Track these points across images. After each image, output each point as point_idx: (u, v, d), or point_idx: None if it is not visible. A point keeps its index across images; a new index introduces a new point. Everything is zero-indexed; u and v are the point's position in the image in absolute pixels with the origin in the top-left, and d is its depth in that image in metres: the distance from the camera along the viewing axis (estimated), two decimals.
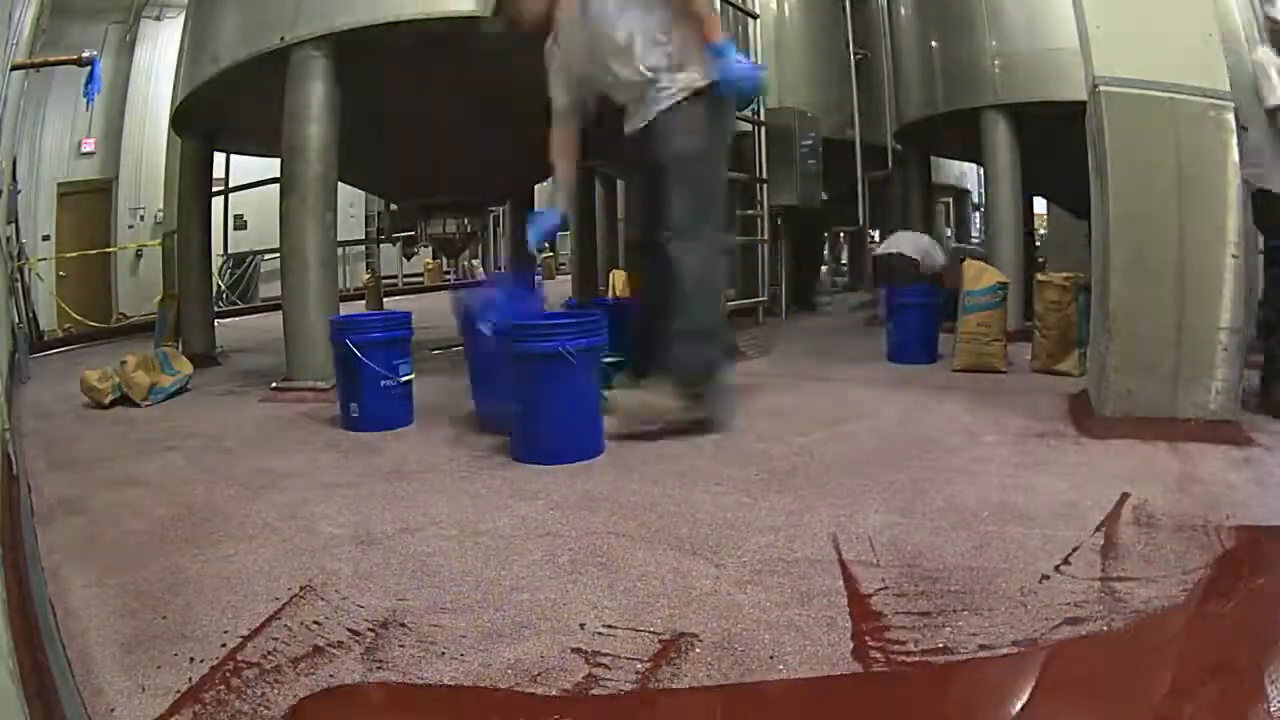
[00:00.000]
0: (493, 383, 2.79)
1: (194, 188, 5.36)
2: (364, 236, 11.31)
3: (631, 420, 2.76)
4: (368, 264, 12.18)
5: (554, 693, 1.26)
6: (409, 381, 3.17)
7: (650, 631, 1.43)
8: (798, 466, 2.42)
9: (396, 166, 5.48)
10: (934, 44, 5.93)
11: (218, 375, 4.77)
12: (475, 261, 13.36)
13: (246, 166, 6.95)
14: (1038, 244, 8.20)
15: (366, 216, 11.30)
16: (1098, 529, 1.84)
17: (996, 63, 5.31)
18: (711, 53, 2.76)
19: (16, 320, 5.64)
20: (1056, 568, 1.63)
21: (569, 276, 9.49)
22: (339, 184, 4.11)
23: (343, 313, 3.92)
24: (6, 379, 3.73)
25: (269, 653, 1.41)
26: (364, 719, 1.29)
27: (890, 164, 7.19)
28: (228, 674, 1.34)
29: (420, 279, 12.67)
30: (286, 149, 3.86)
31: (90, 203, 8.97)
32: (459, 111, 4.70)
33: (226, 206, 7.09)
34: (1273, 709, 1.17)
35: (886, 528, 1.88)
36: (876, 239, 8.37)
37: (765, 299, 5.37)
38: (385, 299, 9.14)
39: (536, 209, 4.05)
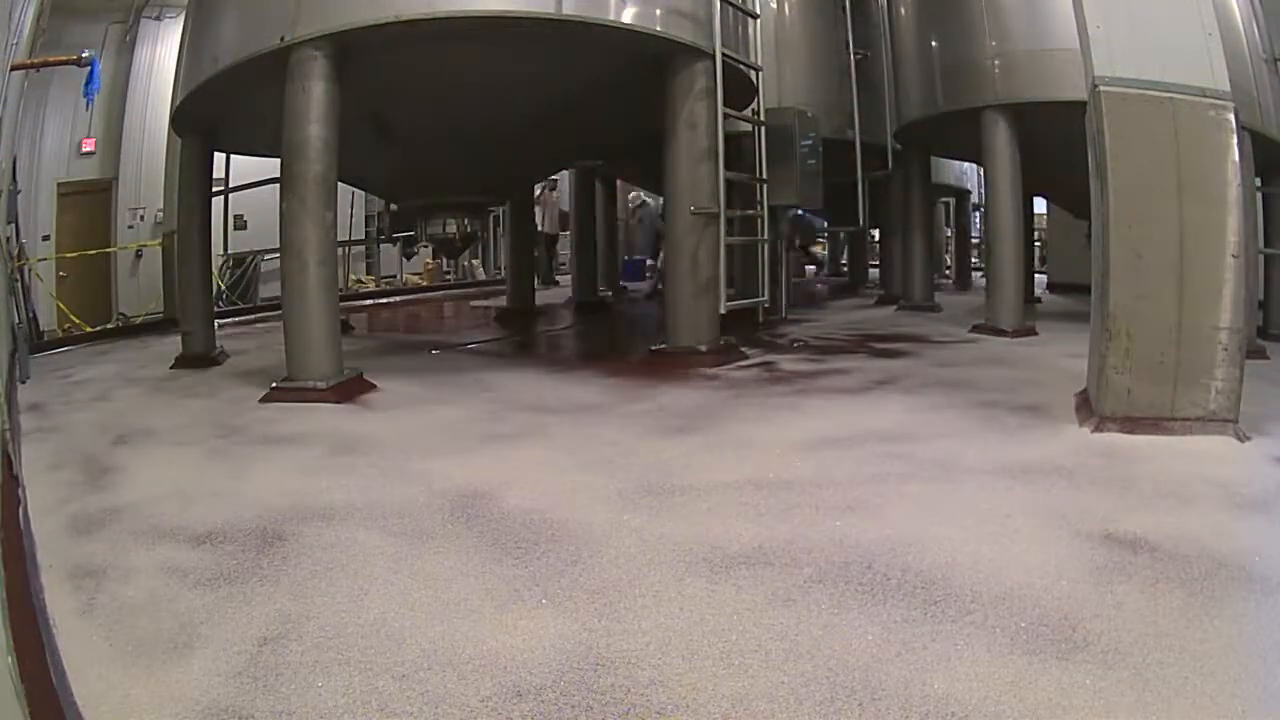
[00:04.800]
0: None
1: (194, 188, 5.36)
2: (364, 236, 11.30)
3: None
4: (368, 264, 12.17)
5: None
6: None
7: None
8: None
9: (398, 166, 5.48)
10: (934, 44, 5.93)
11: (218, 375, 4.76)
12: (475, 261, 13.32)
13: (246, 166, 6.94)
14: (1038, 243, 8.12)
15: (366, 216, 11.28)
16: None
17: (996, 63, 5.31)
18: None
19: (16, 320, 5.63)
20: None
21: (569, 276, 9.51)
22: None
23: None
24: (6, 379, 3.73)
25: None
26: None
27: (890, 164, 7.19)
28: None
29: (418, 278, 12.58)
30: (286, 149, 3.86)
31: (90, 203, 8.96)
32: (461, 111, 4.70)
33: (226, 206, 7.09)
34: None
35: None
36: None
37: (764, 299, 5.35)
38: (379, 300, 9.11)
39: None
